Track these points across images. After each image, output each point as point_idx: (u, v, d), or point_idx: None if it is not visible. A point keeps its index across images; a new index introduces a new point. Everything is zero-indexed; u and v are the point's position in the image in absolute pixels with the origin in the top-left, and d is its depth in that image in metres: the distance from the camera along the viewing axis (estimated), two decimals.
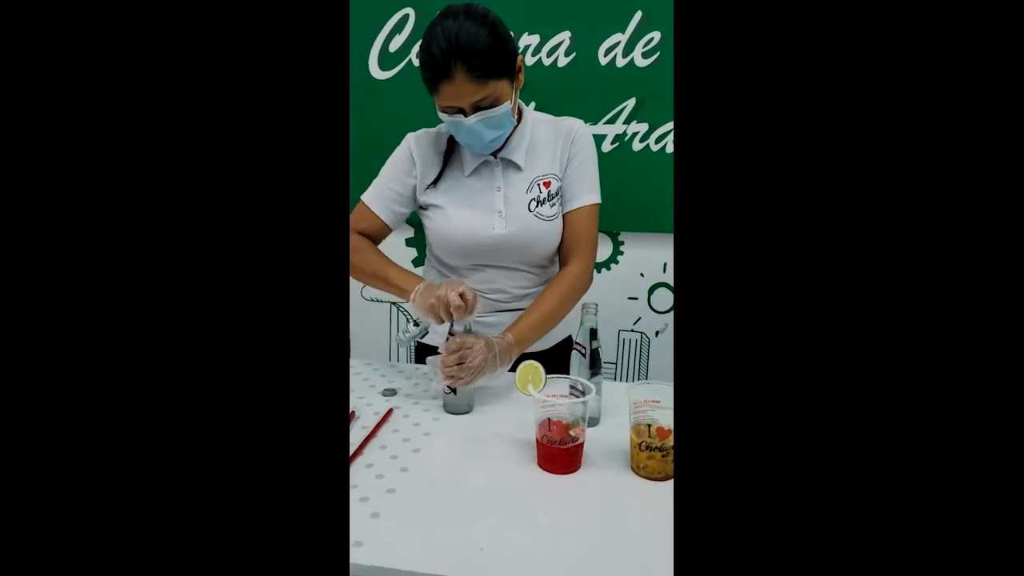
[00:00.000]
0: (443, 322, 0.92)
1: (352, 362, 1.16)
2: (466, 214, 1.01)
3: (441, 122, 0.97)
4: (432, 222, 1.05)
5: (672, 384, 0.79)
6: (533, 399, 0.80)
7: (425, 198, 1.05)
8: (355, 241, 1.05)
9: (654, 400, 0.79)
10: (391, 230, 1.09)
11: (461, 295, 0.90)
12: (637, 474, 0.77)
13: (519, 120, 1.03)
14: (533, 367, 0.84)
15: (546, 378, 0.83)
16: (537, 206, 1.01)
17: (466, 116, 0.91)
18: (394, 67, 1.54)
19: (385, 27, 1.52)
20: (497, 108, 0.91)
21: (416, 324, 1.00)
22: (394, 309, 1.75)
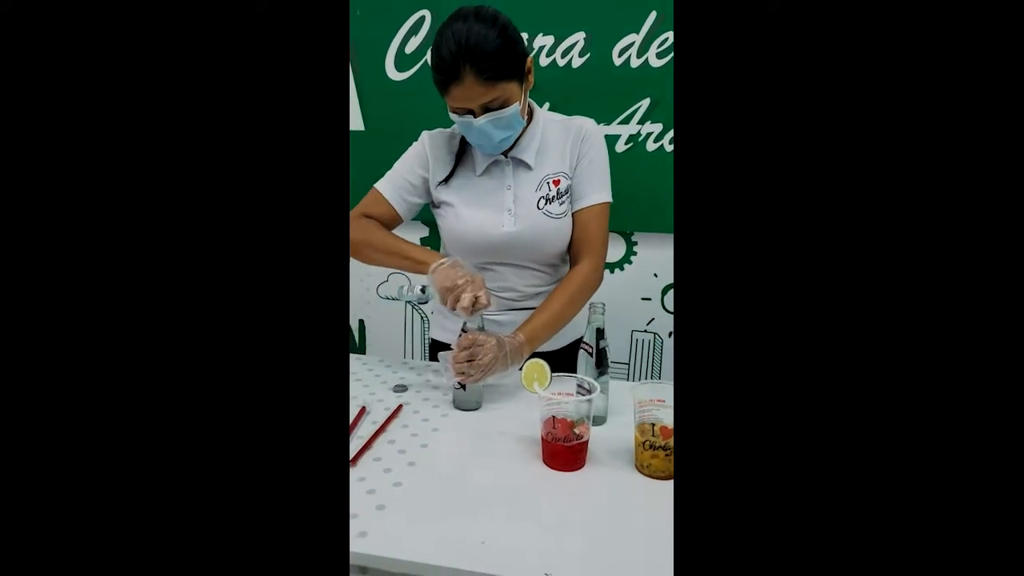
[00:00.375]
0: (444, 304, 0.93)
1: (365, 358, 1.18)
2: (477, 212, 1.03)
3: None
4: (445, 220, 1.07)
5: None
6: (539, 397, 0.81)
7: (437, 195, 1.07)
8: (364, 222, 1.05)
9: (659, 399, 0.79)
10: (401, 220, 1.08)
11: (476, 299, 0.91)
12: (641, 473, 0.78)
13: (530, 120, 1.04)
14: (539, 365, 0.84)
15: (551, 376, 0.84)
16: (546, 204, 1.02)
17: (475, 117, 0.93)
18: (410, 68, 1.56)
19: (401, 29, 1.54)
20: (506, 109, 0.93)
21: (423, 291, 0.98)
22: (408, 308, 1.77)
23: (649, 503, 0.72)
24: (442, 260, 0.96)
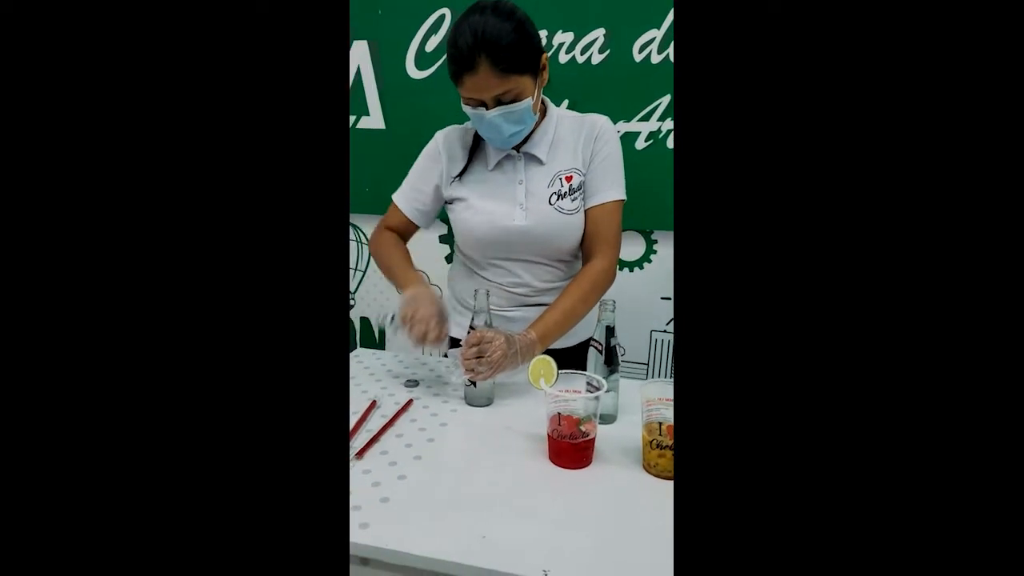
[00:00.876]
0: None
1: (380, 354, 1.19)
2: (488, 206, 1.03)
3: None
4: (456, 215, 1.07)
5: None
6: (545, 394, 0.80)
7: (451, 192, 1.07)
8: (383, 237, 1.12)
9: (667, 398, 0.78)
10: (418, 227, 1.13)
11: (425, 334, 0.93)
12: (648, 472, 0.77)
13: (543, 116, 1.04)
14: (545, 362, 0.84)
15: (558, 373, 0.83)
16: (558, 199, 1.02)
17: (488, 109, 0.93)
18: (430, 67, 1.57)
19: (422, 28, 1.55)
20: (519, 104, 0.93)
21: (391, 319, 1.01)
22: None
23: (655, 503, 0.71)
24: (409, 289, 0.99)
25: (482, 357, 0.91)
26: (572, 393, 0.81)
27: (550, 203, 1.02)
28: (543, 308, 1.02)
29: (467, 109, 0.96)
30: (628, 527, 0.67)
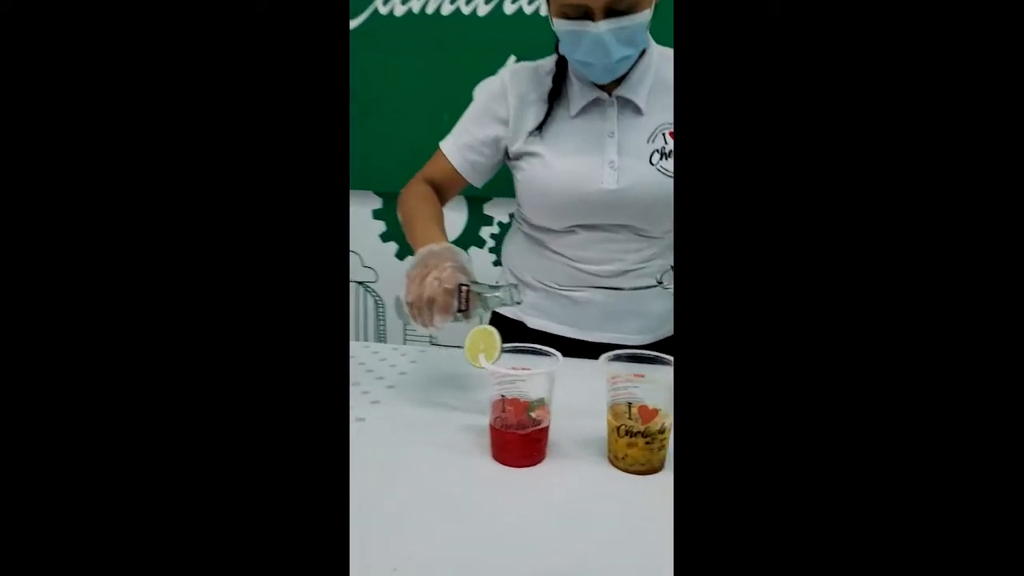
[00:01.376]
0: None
1: (376, 347, 1.00)
2: (569, 163, 0.83)
3: (534, 59, 0.82)
4: (526, 173, 0.86)
5: (657, 354, 0.65)
6: (488, 373, 0.65)
7: (524, 146, 0.87)
8: (416, 187, 0.90)
9: (637, 375, 0.64)
10: (465, 182, 0.91)
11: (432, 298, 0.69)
12: (615, 466, 0.62)
13: (641, 52, 0.83)
14: (487, 333, 0.68)
15: (502, 347, 0.68)
16: (661, 159, 0.82)
17: (594, 20, 0.73)
18: (362, 13, 1.39)
19: None
20: (634, 16, 0.73)
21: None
22: (360, 290, 1.60)
23: (623, 503, 0.57)
24: (424, 247, 0.74)
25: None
26: (520, 371, 0.65)
27: (651, 163, 0.82)
28: (614, 292, 0.87)
29: (561, 24, 0.75)
30: (590, 535, 0.53)
